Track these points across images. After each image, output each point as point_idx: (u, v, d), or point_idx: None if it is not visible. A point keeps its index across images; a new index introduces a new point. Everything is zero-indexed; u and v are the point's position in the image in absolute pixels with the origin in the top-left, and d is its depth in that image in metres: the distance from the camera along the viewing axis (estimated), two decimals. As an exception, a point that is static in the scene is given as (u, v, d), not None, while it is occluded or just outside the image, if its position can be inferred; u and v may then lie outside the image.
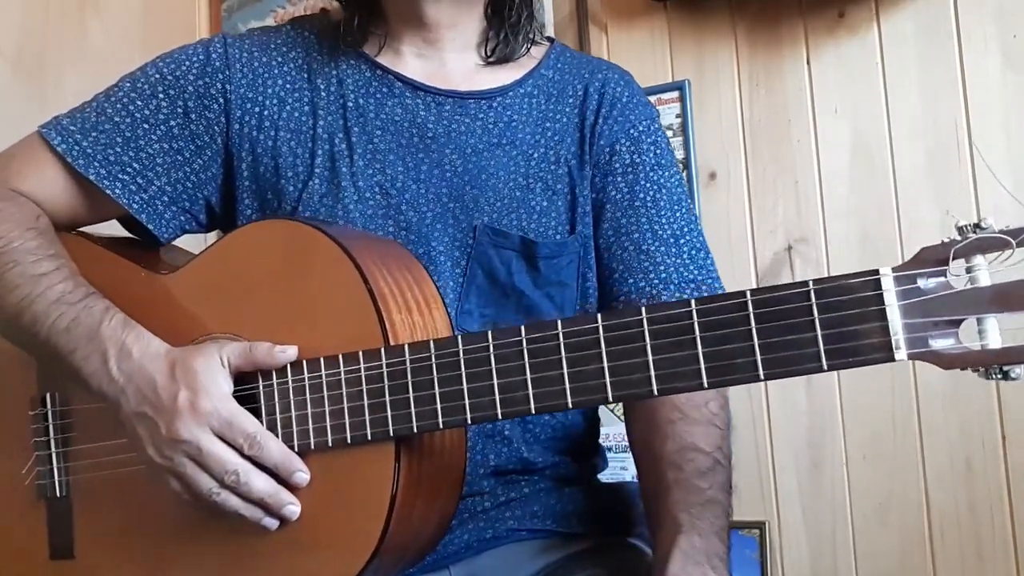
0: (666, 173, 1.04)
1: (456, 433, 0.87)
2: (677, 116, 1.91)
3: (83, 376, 0.89)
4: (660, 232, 1.01)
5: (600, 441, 1.13)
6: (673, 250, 1.00)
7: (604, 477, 1.12)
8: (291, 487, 0.83)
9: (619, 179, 1.02)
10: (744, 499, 1.82)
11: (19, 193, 1.00)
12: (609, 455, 1.82)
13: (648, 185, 1.02)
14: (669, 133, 1.91)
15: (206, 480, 0.83)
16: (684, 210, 1.03)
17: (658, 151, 1.04)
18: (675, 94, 1.92)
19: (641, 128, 1.04)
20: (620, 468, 1.78)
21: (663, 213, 1.01)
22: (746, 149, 1.87)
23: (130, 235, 1.06)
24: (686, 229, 1.02)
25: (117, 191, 0.99)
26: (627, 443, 1.02)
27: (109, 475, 0.94)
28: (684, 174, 1.89)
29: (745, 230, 1.85)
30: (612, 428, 1.82)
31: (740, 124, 1.88)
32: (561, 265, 0.99)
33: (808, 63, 1.83)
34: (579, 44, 1.99)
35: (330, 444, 0.83)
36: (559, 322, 0.74)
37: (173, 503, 0.88)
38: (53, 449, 0.97)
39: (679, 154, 1.90)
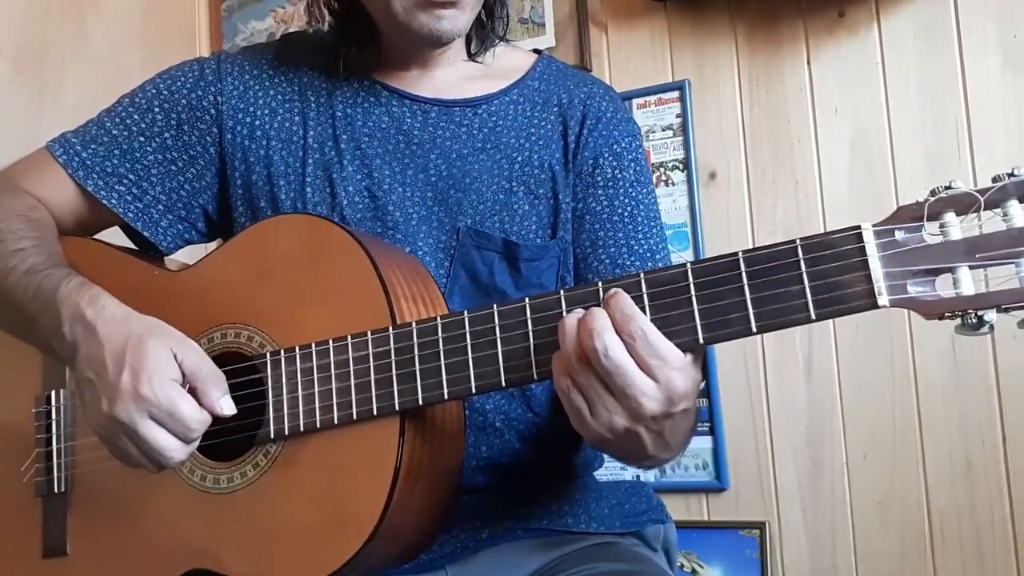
0: (644, 190, 1.07)
1: (456, 422, 0.89)
2: (677, 116, 1.91)
3: (48, 341, 0.90)
4: (636, 247, 1.03)
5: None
6: (648, 265, 1.03)
7: (603, 476, 1.12)
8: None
9: (599, 192, 1.04)
10: (744, 499, 1.82)
11: (27, 193, 1.03)
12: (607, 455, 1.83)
13: (627, 200, 1.04)
14: (669, 133, 1.92)
15: (141, 459, 0.85)
16: (658, 228, 1.07)
17: (638, 168, 1.07)
18: (675, 94, 1.92)
19: (624, 144, 1.06)
20: (620, 468, 1.78)
21: (640, 229, 1.04)
22: (746, 149, 1.87)
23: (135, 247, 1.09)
24: (660, 246, 1.05)
25: (113, 201, 1.04)
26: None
27: (103, 469, 0.95)
28: (684, 174, 1.90)
29: (745, 230, 1.85)
30: (612, 428, 1.82)
31: (740, 124, 1.88)
32: (541, 268, 1.01)
33: (808, 63, 1.83)
34: (579, 44, 1.99)
35: (336, 422, 0.85)
36: (562, 292, 0.78)
37: (168, 489, 0.89)
38: (55, 445, 0.98)
39: (679, 154, 1.90)
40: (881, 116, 1.76)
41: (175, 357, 0.84)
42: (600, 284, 0.77)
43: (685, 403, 0.73)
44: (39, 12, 1.83)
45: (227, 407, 0.86)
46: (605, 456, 1.16)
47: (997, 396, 1.65)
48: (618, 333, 0.71)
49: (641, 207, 1.05)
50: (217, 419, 0.86)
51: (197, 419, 0.83)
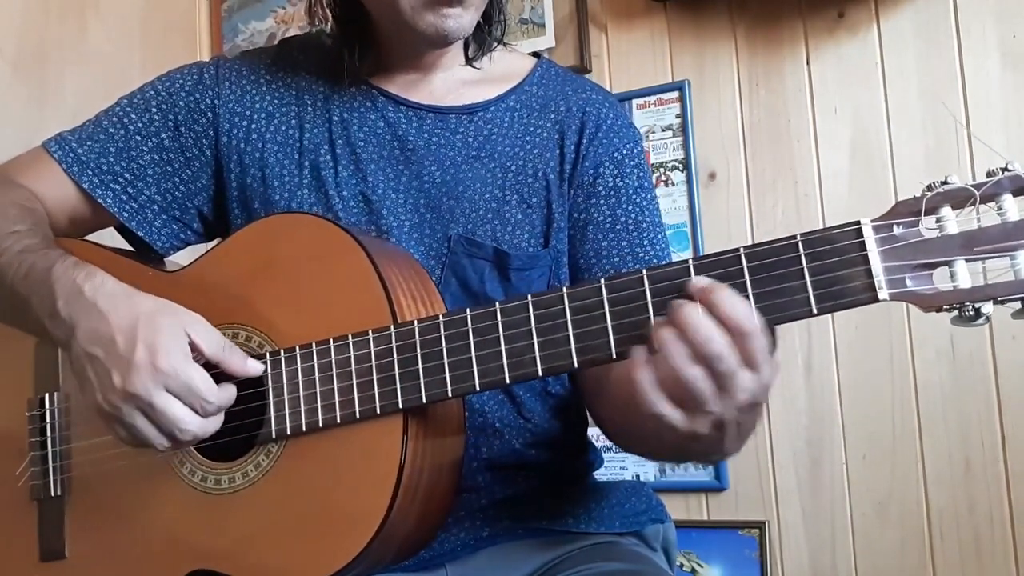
0: (647, 196, 1.06)
1: (457, 420, 0.90)
2: (677, 116, 1.91)
3: (42, 322, 0.89)
4: (641, 255, 1.02)
5: (597, 441, 1.13)
6: None
7: (603, 476, 1.12)
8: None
9: (602, 202, 1.03)
10: (744, 499, 1.82)
11: (23, 187, 1.03)
12: (608, 455, 1.83)
13: (631, 208, 1.03)
14: (669, 133, 1.92)
15: (155, 434, 0.84)
16: (663, 234, 1.06)
17: (640, 174, 1.06)
18: (675, 94, 1.92)
19: (624, 151, 1.05)
20: (619, 468, 1.79)
21: (645, 236, 1.03)
22: (746, 149, 1.87)
23: (130, 248, 1.08)
24: (664, 253, 1.04)
25: (108, 200, 1.04)
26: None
27: (101, 471, 0.95)
28: (684, 174, 1.90)
29: (745, 230, 1.85)
30: (612, 428, 1.82)
31: (740, 124, 1.88)
32: (532, 278, 1.01)
33: (808, 63, 1.83)
34: (579, 44, 1.99)
35: (338, 421, 0.85)
36: (564, 289, 0.78)
37: (168, 490, 0.89)
38: (50, 448, 0.98)
39: (679, 154, 1.90)
40: (881, 116, 1.76)
41: (188, 335, 0.84)
42: (603, 281, 0.76)
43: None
44: (39, 12, 1.84)
45: (255, 367, 0.87)
46: (605, 457, 1.17)
47: (996, 396, 1.65)
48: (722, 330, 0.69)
49: (645, 213, 1.04)
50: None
51: (213, 392, 0.84)
